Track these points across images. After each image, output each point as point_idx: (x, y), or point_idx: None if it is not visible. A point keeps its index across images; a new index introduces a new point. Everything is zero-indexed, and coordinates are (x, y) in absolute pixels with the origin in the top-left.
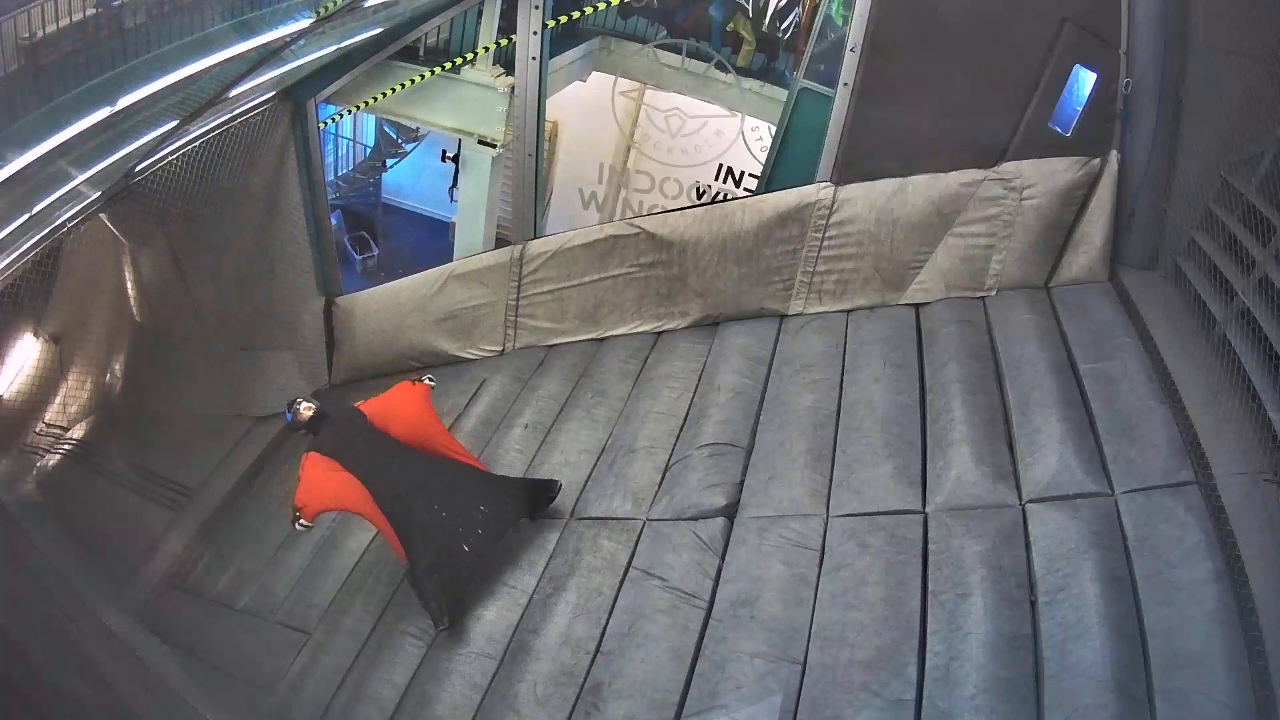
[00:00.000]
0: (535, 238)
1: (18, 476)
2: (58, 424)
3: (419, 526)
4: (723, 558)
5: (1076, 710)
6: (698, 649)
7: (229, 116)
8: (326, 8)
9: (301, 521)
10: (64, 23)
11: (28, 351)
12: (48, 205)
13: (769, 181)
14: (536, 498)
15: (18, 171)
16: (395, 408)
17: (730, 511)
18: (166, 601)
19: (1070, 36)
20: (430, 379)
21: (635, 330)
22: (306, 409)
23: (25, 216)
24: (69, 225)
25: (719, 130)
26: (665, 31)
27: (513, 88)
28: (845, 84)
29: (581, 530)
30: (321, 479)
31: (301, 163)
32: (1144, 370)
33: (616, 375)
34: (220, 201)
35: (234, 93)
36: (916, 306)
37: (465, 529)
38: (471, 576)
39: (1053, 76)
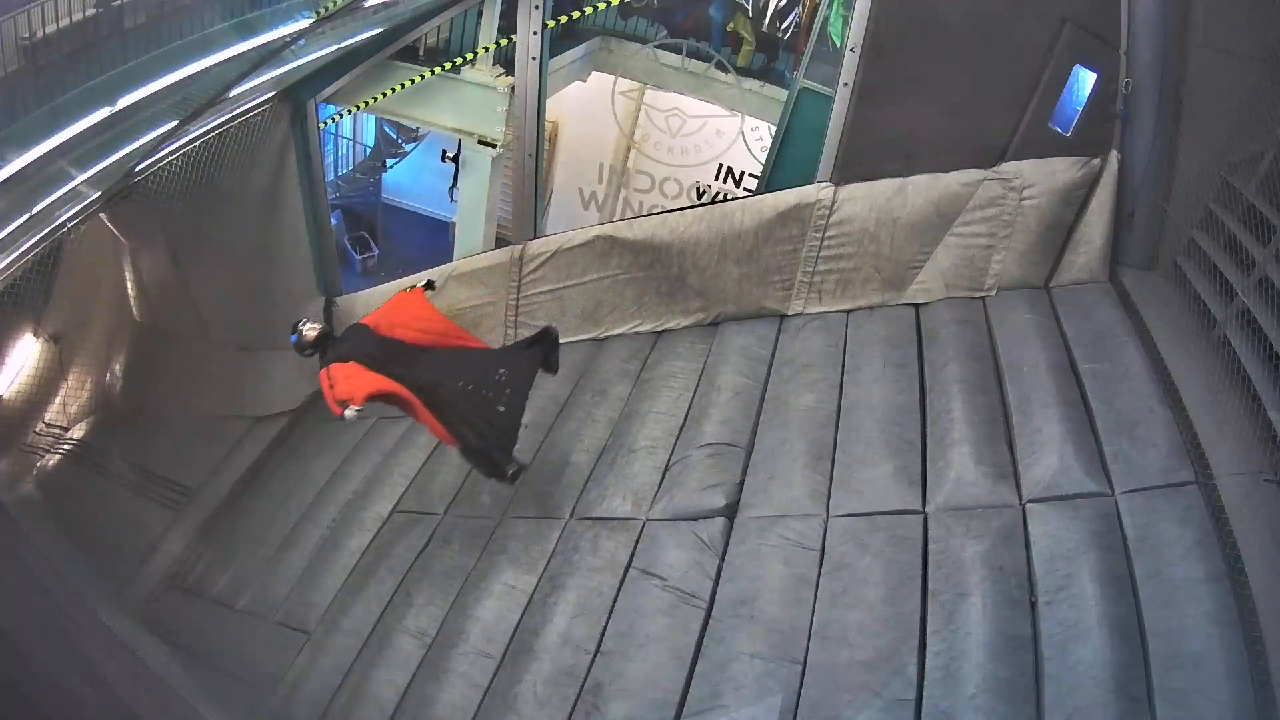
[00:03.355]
0: (535, 238)
1: (18, 476)
2: (58, 424)
3: (452, 407)
4: (723, 558)
5: (1076, 710)
6: (698, 649)
7: (229, 116)
8: (326, 8)
9: (352, 407)
10: (64, 23)
11: (28, 351)
12: (48, 205)
13: (769, 181)
14: (546, 350)
15: (18, 171)
16: (397, 315)
17: (730, 511)
18: (166, 601)
19: (1070, 36)
20: (430, 280)
21: (635, 330)
22: (311, 329)
23: (25, 216)
24: (69, 225)
25: (719, 130)
26: (665, 31)
27: (513, 88)
28: (845, 84)
29: (581, 530)
30: (352, 373)
31: (301, 163)
32: (1144, 370)
33: (616, 375)
34: (220, 202)
35: (234, 93)
36: (916, 306)
37: (494, 393)
38: (515, 428)
39: (1053, 76)
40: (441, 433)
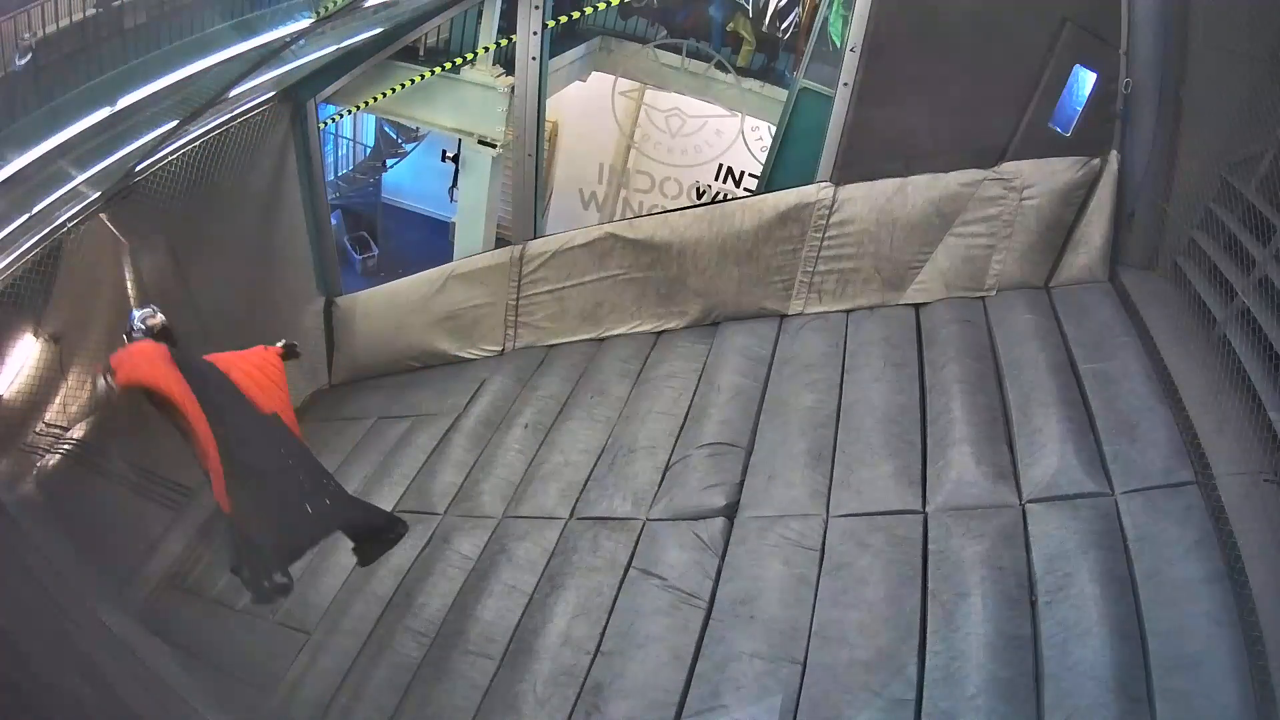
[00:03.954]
0: (535, 238)
1: (18, 476)
2: (58, 424)
3: (250, 466)
4: (723, 558)
5: (1076, 710)
6: (698, 649)
7: (229, 116)
8: (326, 8)
9: (112, 380)
10: (64, 23)
11: (28, 351)
12: (48, 205)
13: (769, 181)
14: (378, 528)
15: (18, 171)
16: (241, 360)
17: (730, 511)
18: (166, 601)
19: (1070, 36)
20: (291, 342)
21: (635, 330)
22: (156, 319)
23: (25, 216)
24: (69, 225)
25: (719, 130)
26: (665, 31)
27: (513, 88)
28: (845, 84)
29: (581, 530)
30: (153, 359)
31: (301, 163)
32: (1144, 370)
33: (616, 375)
34: (220, 201)
35: (234, 93)
36: (916, 306)
37: (313, 489)
38: (306, 543)
39: (1053, 76)
40: (218, 483)
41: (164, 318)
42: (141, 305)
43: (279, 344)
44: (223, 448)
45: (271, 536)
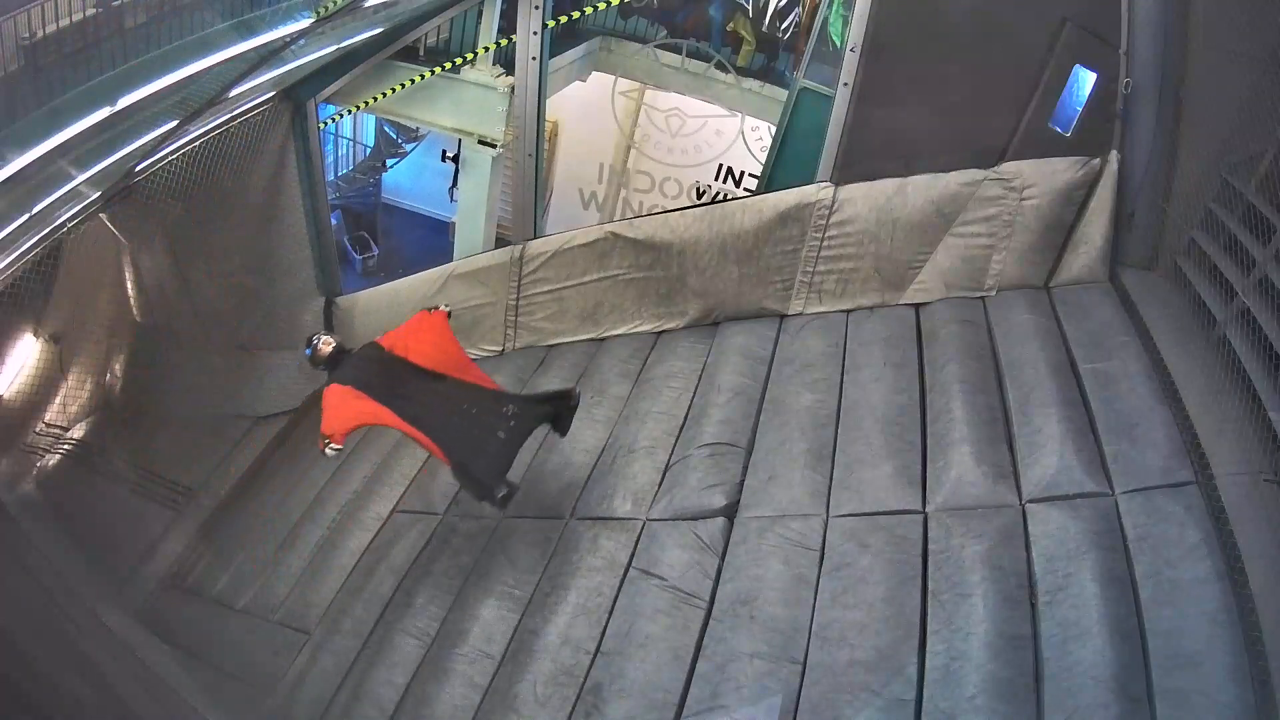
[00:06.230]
0: (535, 238)
1: (18, 476)
2: (58, 424)
3: (451, 430)
4: (723, 558)
5: (1076, 710)
6: (698, 649)
7: (229, 116)
8: (326, 8)
9: (332, 446)
10: (64, 23)
11: (28, 351)
12: (48, 205)
13: (769, 181)
14: (560, 411)
15: (18, 171)
16: (414, 339)
17: (730, 511)
18: (166, 601)
19: (1070, 36)
20: (446, 306)
21: (635, 330)
22: (326, 344)
23: (25, 216)
24: (69, 225)
25: (719, 130)
26: (665, 31)
27: (513, 88)
28: (845, 84)
29: (581, 530)
30: (343, 404)
31: (301, 163)
32: (1144, 370)
33: (616, 375)
34: (220, 201)
35: (234, 93)
36: (916, 306)
37: (497, 421)
38: (510, 457)
39: (1053, 76)
40: (435, 450)
41: (333, 341)
42: (312, 339)
43: (443, 307)
44: (423, 428)
45: (486, 468)
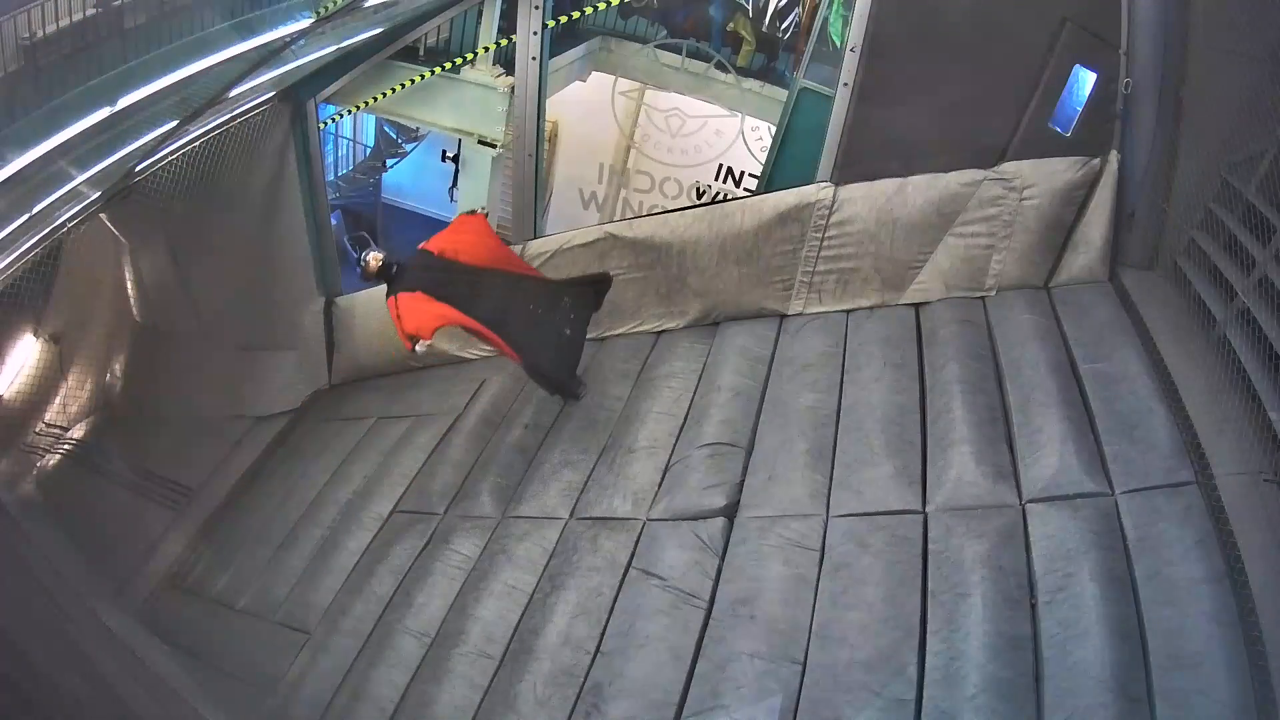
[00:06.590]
0: (535, 238)
1: (18, 476)
2: (58, 424)
3: (519, 328)
4: (723, 558)
5: (1076, 710)
6: (698, 649)
7: (229, 116)
8: (326, 8)
9: (422, 342)
10: (64, 23)
11: (28, 351)
12: (48, 205)
13: (769, 181)
14: (599, 290)
15: (18, 171)
16: (461, 239)
17: (730, 511)
18: (166, 601)
19: (1070, 36)
20: (483, 208)
21: (635, 330)
22: (375, 259)
23: (25, 216)
24: (69, 225)
25: (719, 130)
26: (665, 31)
27: (513, 88)
28: (845, 84)
29: (581, 530)
30: (418, 308)
31: (301, 163)
32: (1144, 370)
33: (616, 375)
34: (220, 201)
35: (234, 93)
36: (916, 306)
37: (560, 319)
38: (580, 350)
39: (1053, 76)
40: (509, 352)
41: (380, 255)
42: (360, 256)
43: (480, 209)
44: (494, 329)
45: (558, 364)
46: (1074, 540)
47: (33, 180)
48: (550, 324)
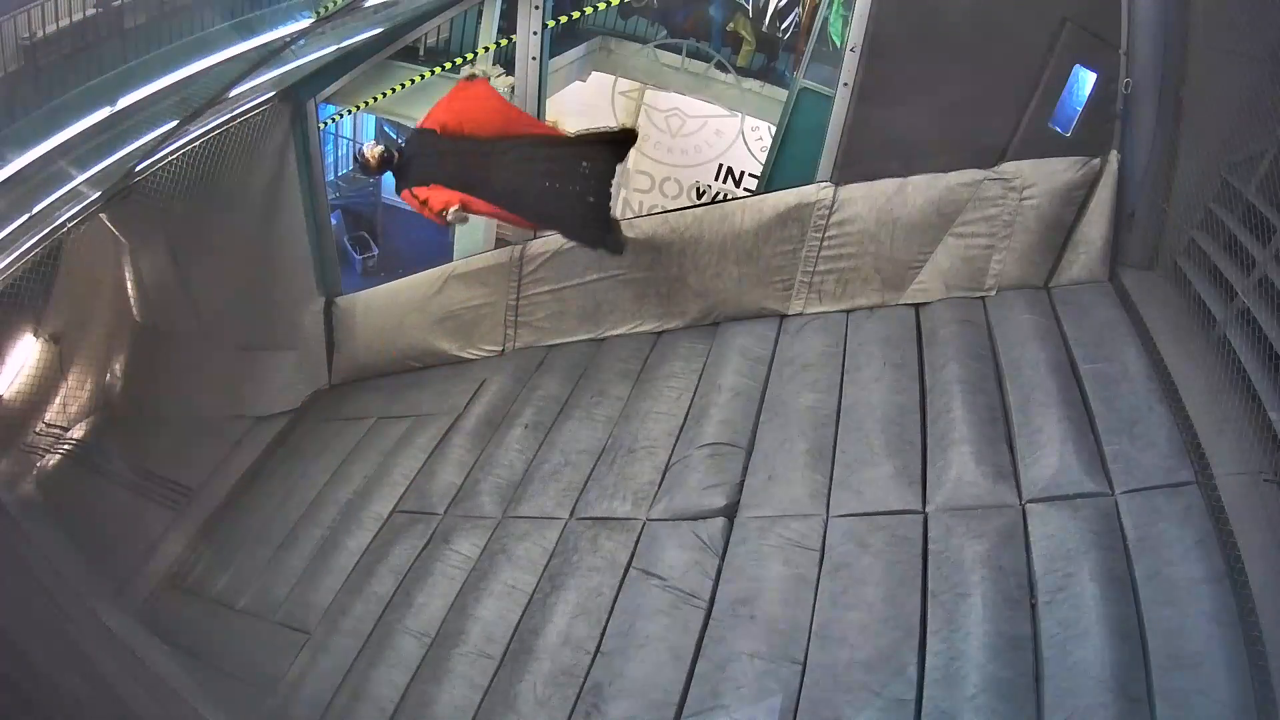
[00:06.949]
0: (535, 238)
1: (18, 476)
2: (58, 424)
3: (538, 204)
4: (723, 558)
5: (1076, 710)
6: (698, 649)
7: (229, 116)
8: (326, 8)
9: (453, 210)
10: (64, 23)
11: (28, 351)
12: (48, 205)
13: (769, 181)
14: (620, 145)
15: (18, 171)
16: (464, 111)
17: (730, 511)
18: (166, 601)
19: (1070, 36)
20: (483, 71)
21: (635, 330)
22: (371, 150)
23: (25, 216)
24: (69, 225)
25: (719, 130)
26: (665, 31)
27: (513, 88)
28: (845, 84)
29: (581, 530)
30: (438, 193)
31: (301, 163)
32: (1144, 370)
33: (616, 375)
34: (220, 201)
35: (234, 93)
36: (916, 306)
37: (582, 186)
38: (608, 208)
39: (1053, 76)
40: (526, 226)
41: (378, 145)
42: (358, 153)
43: (479, 74)
44: (515, 209)
45: (589, 225)
46: (1074, 540)
47: (33, 180)
48: (569, 194)
